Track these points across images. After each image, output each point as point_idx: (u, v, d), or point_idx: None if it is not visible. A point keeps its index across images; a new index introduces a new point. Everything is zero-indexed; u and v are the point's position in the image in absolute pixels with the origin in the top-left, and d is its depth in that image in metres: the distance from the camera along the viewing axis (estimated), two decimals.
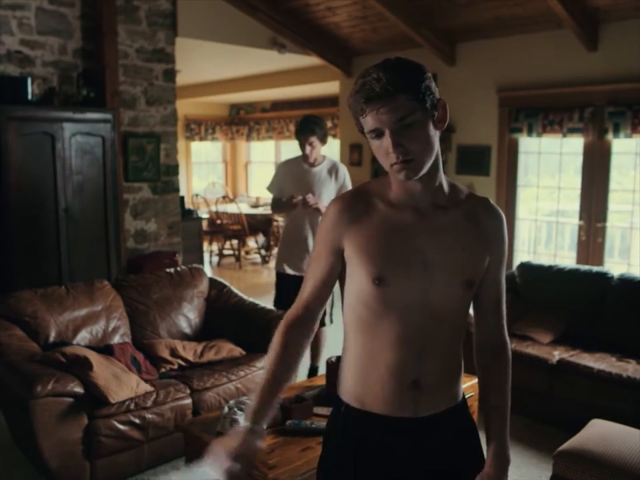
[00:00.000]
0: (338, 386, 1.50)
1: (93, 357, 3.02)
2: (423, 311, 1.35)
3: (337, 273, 1.44)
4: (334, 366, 2.76)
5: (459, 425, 1.48)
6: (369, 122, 1.29)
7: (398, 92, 1.24)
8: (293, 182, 4.01)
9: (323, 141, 3.95)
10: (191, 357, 3.49)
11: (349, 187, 3.98)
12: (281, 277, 4.11)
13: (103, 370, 2.96)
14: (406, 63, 1.29)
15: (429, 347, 1.37)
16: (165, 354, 3.47)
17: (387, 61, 1.29)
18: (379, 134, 1.29)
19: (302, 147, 3.94)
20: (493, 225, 1.43)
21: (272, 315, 3.80)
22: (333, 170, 4.01)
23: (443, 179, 1.42)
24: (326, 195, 3.93)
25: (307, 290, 1.46)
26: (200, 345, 3.64)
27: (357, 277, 1.38)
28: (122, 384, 2.98)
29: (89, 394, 2.86)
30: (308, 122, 3.90)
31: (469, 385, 2.98)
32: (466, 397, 1.57)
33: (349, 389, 1.45)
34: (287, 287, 3.98)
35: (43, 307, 3.36)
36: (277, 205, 4.12)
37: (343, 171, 4.03)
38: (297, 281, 3.91)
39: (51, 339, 3.29)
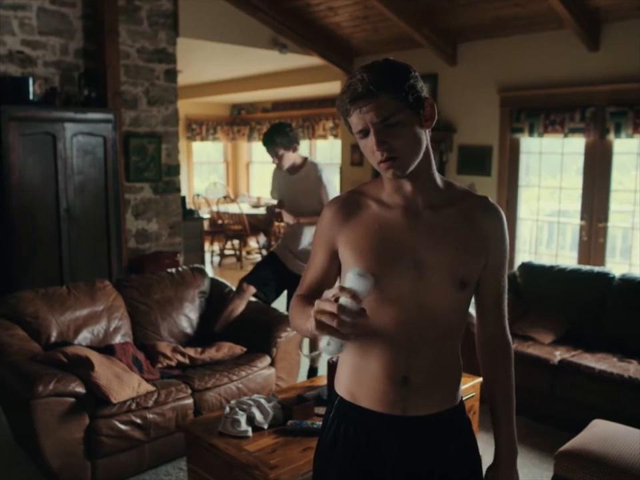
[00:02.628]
0: (335, 380, 1.52)
1: (94, 356, 3.02)
2: (414, 310, 1.36)
3: (332, 273, 1.48)
4: (335, 366, 2.76)
5: (453, 429, 1.46)
6: (354, 122, 1.32)
7: (380, 91, 1.27)
8: (278, 190, 4.00)
9: (290, 148, 3.74)
10: (192, 353, 3.50)
11: (330, 190, 3.76)
12: (271, 255, 4.09)
13: (104, 370, 2.96)
14: (391, 64, 1.32)
15: (420, 345, 1.38)
16: (167, 350, 3.47)
17: (373, 62, 1.32)
18: (365, 133, 1.31)
19: (271, 157, 3.82)
20: (491, 224, 1.42)
21: (273, 315, 3.81)
22: (313, 174, 3.79)
23: (437, 178, 1.42)
24: (306, 202, 3.77)
25: (302, 288, 1.50)
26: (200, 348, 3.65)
27: None
28: (123, 384, 2.98)
29: (91, 394, 2.87)
30: (269, 132, 3.75)
31: (469, 385, 2.98)
32: (465, 397, 1.58)
33: (343, 383, 1.47)
34: (269, 263, 3.98)
35: (44, 307, 3.36)
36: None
37: (321, 174, 3.76)
38: (282, 268, 3.90)
39: (53, 338, 3.29)
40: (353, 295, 1.11)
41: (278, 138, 3.70)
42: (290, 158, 3.79)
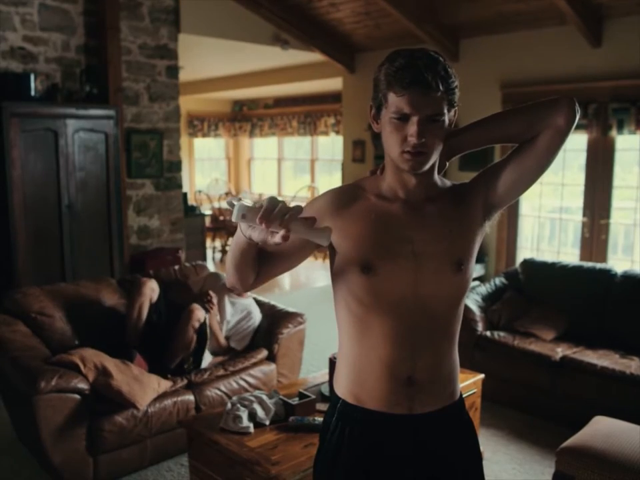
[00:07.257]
0: (334, 382, 1.50)
1: (109, 362, 3.00)
2: (414, 305, 1.35)
3: (295, 250, 1.39)
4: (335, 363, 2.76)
5: (457, 423, 1.47)
6: (397, 102, 1.26)
7: (442, 89, 1.26)
8: None
9: None
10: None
11: None
12: None
13: (122, 376, 2.96)
14: (446, 61, 1.30)
15: (422, 342, 1.37)
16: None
17: (429, 52, 1.28)
18: (404, 118, 1.27)
19: None
20: (469, 185, 1.44)
21: (274, 310, 3.81)
22: None
23: (436, 175, 1.43)
24: None
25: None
26: None
27: (346, 268, 1.38)
28: (144, 386, 2.98)
29: (93, 391, 2.86)
30: None
31: (470, 382, 2.98)
32: (466, 394, 1.57)
33: (345, 385, 1.45)
34: None
35: (50, 304, 3.35)
36: None
37: None
38: None
39: (58, 335, 3.28)
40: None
41: None
42: None
